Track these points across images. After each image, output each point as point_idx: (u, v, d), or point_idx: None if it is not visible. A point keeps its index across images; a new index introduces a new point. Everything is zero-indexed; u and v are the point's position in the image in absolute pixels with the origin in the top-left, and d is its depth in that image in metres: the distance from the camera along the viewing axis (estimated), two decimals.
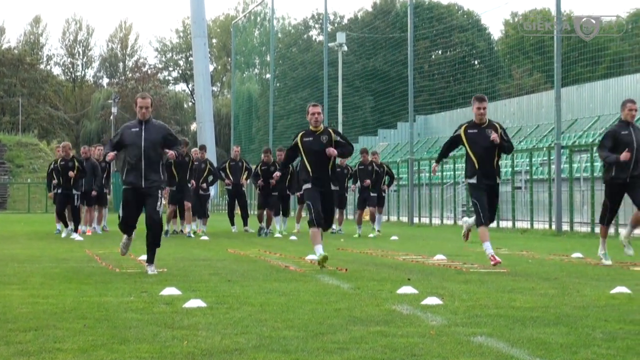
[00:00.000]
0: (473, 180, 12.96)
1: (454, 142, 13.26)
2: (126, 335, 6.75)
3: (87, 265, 13.41)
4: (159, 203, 11.76)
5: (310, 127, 12.97)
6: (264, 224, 23.28)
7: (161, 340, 6.53)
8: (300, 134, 13.08)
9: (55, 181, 22.14)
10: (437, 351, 6.12)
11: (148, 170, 11.79)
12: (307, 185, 12.96)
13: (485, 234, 12.85)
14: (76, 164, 22.01)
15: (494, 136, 12.64)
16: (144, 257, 14.19)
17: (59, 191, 22.06)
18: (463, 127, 13.03)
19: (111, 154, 11.92)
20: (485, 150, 12.84)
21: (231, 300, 8.81)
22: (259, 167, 23.06)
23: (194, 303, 8.38)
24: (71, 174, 21.76)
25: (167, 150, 11.95)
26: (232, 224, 26.60)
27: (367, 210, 24.91)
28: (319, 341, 6.51)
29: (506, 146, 12.88)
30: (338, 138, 12.93)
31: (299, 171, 13.90)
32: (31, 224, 33.90)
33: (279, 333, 6.84)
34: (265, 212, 23.26)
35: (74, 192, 22.08)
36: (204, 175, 24.05)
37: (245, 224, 25.38)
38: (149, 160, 11.80)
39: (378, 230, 24.56)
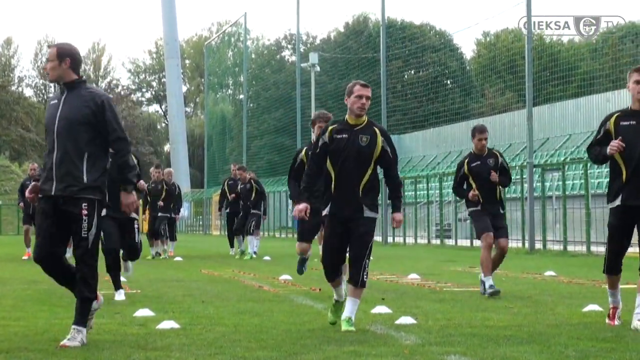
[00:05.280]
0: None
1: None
2: (99, 357, 6.71)
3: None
4: (84, 225, 7.20)
5: None
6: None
7: None
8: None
9: None
10: None
11: (62, 166, 7.24)
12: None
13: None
14: None
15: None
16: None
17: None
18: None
19: (30, 194, 7.49)
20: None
21: (205, 321, 8.78)
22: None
23: (168, 324, 8.35)
24: None
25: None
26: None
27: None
28: None
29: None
30: None
31: None
32: (2, 245, 33.61)
33: (253, 353, 6.83)
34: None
35: None
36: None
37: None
38: (64, 151, 7.24)
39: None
